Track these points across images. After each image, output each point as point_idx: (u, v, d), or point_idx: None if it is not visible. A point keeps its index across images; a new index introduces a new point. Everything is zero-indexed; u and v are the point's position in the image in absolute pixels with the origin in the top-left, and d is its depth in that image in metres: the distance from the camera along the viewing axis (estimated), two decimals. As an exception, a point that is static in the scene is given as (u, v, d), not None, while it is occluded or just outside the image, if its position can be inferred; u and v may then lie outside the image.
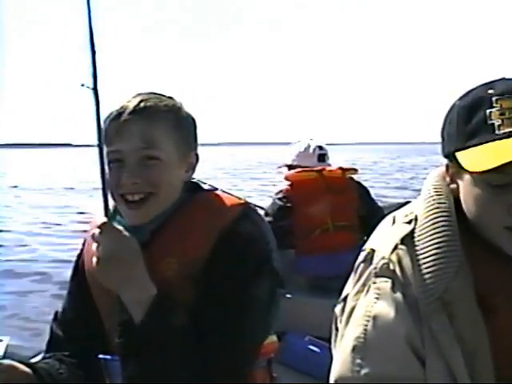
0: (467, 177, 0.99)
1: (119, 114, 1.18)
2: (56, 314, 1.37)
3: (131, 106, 1.18)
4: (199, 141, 1.30)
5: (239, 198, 1.29)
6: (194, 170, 1.29)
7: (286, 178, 3.33)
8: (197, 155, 1.29)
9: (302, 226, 3.22)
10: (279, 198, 3.25)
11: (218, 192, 1.31)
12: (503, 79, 0.99)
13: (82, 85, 1.14)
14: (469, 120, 0.98)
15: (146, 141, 1.17)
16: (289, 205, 3.21)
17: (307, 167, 3.35)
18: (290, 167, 3.49)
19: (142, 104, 1.18)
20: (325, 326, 1.29)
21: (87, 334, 1.28)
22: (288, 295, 2.91)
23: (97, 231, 1.14)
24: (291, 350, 2.59)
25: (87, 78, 1.15)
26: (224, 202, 1.24)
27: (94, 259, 1.13)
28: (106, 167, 1.20)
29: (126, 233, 1.14)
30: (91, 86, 1.14)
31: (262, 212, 3.02)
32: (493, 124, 0.94)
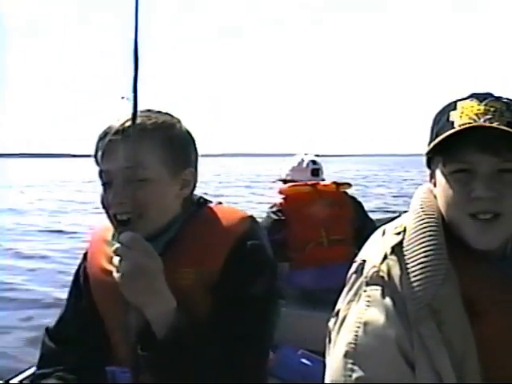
0: (438, 174, 1.07)
1: (105, 134, 1.19)
2: (47, 329, 1.36)
3: (117, 125, 1.18)
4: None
5: (245, 213, 1.31)
6: (192, 186, 1.28)
7: (280, 192, 3.36)
8: (193, 172, 1.28)
9: (296, 240, 3.24)
10: (273, 212, 3.28)
11: (225, 206, 1.34)
12: (478, 93, 1.08)
13: (123, 97, 1.12)
14: (436, 124, 1.08)
15: (131, 161, 1.14)
16: (283, 218, 3.24)
17: (301, 182, 3.40)
18: (285, 182, 3.54)
19: (127, 124, 1.16)
20: (318, 339, 1.32)
21: (91, 346, 1.28)
22: (282, 308, 2.92)
23: (120, 244, 1.10)
24: (284, 364, 2.60)
25: (126, 91, 1.12)
26: (233, 215, 1.27)
27: (117, 274, 1.09)
28: (101, 188, 1.22)
29: (150, 247, 1.11)
30: (131, 98, 1.12)
31: None
32: (453, 121, 1.03)
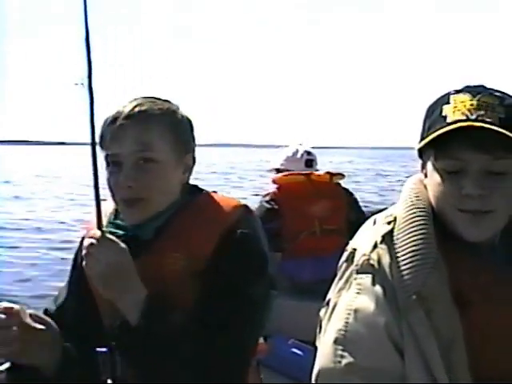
0: (429, 167, 1.07)
1: (115, 119, 1.21)
2: (46, 310, 1.38)
3: (126, 110, 1.21)
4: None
5: (239, 201, 1.33)
6: (191, 171, 1.32)
7: (274, 181, 3.36)
8: (193, 157, 1.32)
9: (289, 229, 3.24)
10: (267, 201, 3.28)
11: (219, 195, 1.36)
12: (472, 86, 1.08)
13: (76, 83, 1.16)
14: (429, 116, 1.08)
15: (142, 144, 1.20)
16: (276, 207, 3.24)
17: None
18: (279, 171, 3.52)
19: (136, 109, 1.21)
20: (309, 329, 1.33)
21: (86, 326, 1.31)
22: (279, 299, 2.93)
23: (90, 243, 1.17)
24: (275, 353, 2.61)
25: (82, 77, 1.16)
26: (225, 203, 1.29)
27: (89, 272, 1.18)
28: (105, 170, 1.24)
29: (121, 244, 1.18)
30: (86, 84, 1.16)
31: None
32: (445, 116, 1.03)
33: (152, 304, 1.15)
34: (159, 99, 1.29)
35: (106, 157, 1.24)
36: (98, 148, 1.22)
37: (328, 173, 3.42)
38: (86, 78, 1.16)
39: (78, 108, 1.19)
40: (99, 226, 1.19)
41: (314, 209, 3.25)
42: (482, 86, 1.07)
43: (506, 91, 1.08)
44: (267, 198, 3.30)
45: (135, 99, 1.26)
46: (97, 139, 1.21)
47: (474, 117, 1.00)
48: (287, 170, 3.44)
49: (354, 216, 3.33)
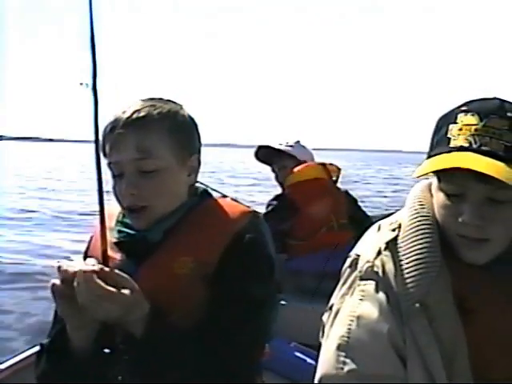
0: (435, 186, 1.06)
1: (113, 127, 1.20)
2: (42, 345, 1.29)
3: (124, 117, 1.19)
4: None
5: (248, 207, 1.32)
6: (197, 172, 1.31)
7: (290, 179, 3.23)
8: (198, 158, 1.30)
9: (307, 226, 3.18)
10: (281, 201, 3.21)
11: (228, 199, 1.35)
12: (483, 99, 1.03)
13: (81, 83, 1.13)
14: (437, 132, 1.05)
15: (141, 151, 1.18)
16: (293, 205, 3.17)
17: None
18: (279, 170, 3.49)
19: (134, 115, 1.19)
20: (311, 332, 1.32)
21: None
22: (282, 302, 2.92)
23: (97, 285, 1.06)
24: (276, 356, 2.60)
25: (87, 77, 1.15)
26: (234, 208, 1.28)
27: (94, 316, 1.09)
28: (110, 178, 1.23)
29: (130, 282, 1.10)
30: (90, 84, 1.13)
31: None
32: (449, 138, 1.01)
33: (156, 315, 1.13)
34: (161, 100, 1.26)
35: (109, 165, 1.23)
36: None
37: (333, 164, 3.38)
38: (91, 78, 1.13)
39: (83, 108, 1.17)
40: (101, 209, 1.13)
41: (330, 202, 3.21)
42: (496, 101, 1.01)
43: (508, 95, 1.04)
44: (281, 199, 3.23)
45: (134, 103, 1.23)
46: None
47: (477, 145, 0.97)
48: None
49: (356, 212, 3.33)
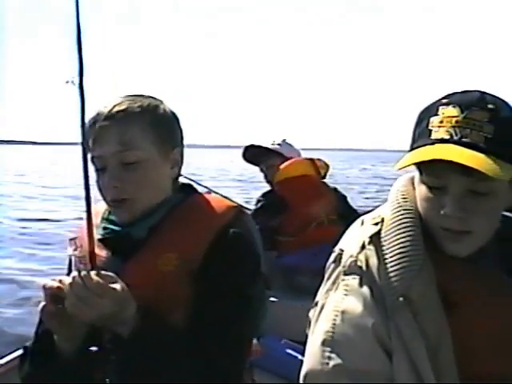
0: (417, 179, 1.07)
1: (95, 121, 1.21)
2: (26, 348, 1.30)
3: (105, 111, 1.21)
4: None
5: (233, 202, 1.34)
6: (180, 165, 1.32)
7: (279, 175, 3.24)
8: (181, 151, 1.31)
9: (296, 221, 3.18)
10: (271, 197, 3.21)
11: (213, 195, 1.37)
12: (464, 91, 1.03)
13: (67, 81, 1.14)
14: (418, 124, 1.05)
15: (123, 144, 1.20)
16: (282, 201, 3.17)
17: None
18: (267, 169, 3.49)
19: (115, 109, 1.21)
20: (302, 329, 1.33)
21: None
22: (272, 298, 2.92)
23: (83, 286, 1.06)
24: (267, 354, 2.60)
25: (74, 75, 1.15)
26: (219, 204, 1.28)
27: (82, 319, 1.09)
28: (94, 172, 1.24)
29: (119, 282, 1.10)
30: (77, 82, 1.14)
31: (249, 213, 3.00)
32: (431, 130, 1.01)
33: (144, 314, 1.13)
34: (141, 96, 1.28)
35: (92, 159, 1.24)
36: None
37: (322, 161, 3.38)
38: (77, 75, 1.14)
39: (70, 107, 1.17)
40: (88, 209, 1.12)
41: (320, 198, 3.21)
42: (476, 93, 1.01)
43: (504, 95, 1.03)
44: (270, 195, 3.23)
45: (115, 99, 1.25)
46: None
47: (458, 136, 0.97)
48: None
49: (345, 208, 3.33)
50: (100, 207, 1.31)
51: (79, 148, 1.14)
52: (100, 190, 1.25)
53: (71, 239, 1.16)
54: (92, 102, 1.19)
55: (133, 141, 1.21)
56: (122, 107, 1.22)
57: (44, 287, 1.12)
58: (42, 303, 1.12)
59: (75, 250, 1.15)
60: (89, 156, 1.22)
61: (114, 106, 1.22)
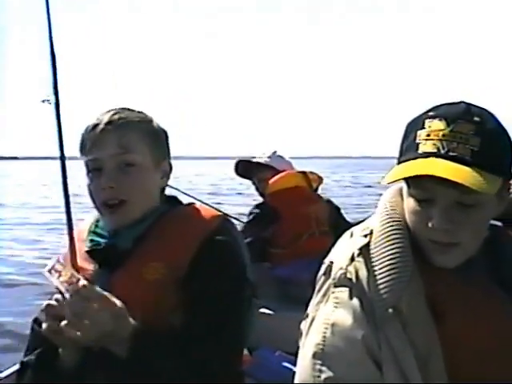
0: (405, 191, 1.08)
1: (95, 125, 1.26)
2: (22, 363, 1.30)
3: (106, 118, 1.27)
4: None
5: (218, 211, 1.36)
6: (168, 177, 1.37)
7: (270, 187, 3.27)
8: (170, 164, 1.37)
9: (288, 232, 3.19)
10: (263, 209, 3.23)
11: (197, 205, 1.38)
12: (450, 104, 1.04)
13: (43, 101, 1.19)
14: (406, 138, 1.06)
15: (122, 147, 1.25)
16: (274, 213, 3.19)
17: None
18: (259, 182, 3.45)
19: (116, 116, 1.27)
20: (296, 341, 1.33)
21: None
22: (268, 311, 2.91)
23: (78, 300, 1.09)
24: (261, 365, 2.59)
25: (49, 93, 1.19)
26: (203, 213, 1.31)
27: (82, 337, 1.09)
28: (85, 177, 1.27)
29: (110, 297, 1.12)
30: (53, 101, 1.20)
31: (239, 224, 3.02)
32: (418, 144, 1.01)
33: (140, 333, 1.13)
34: (134, 110, 1.34)
35: (87, 163, 1.27)
36: (72, 162, 1.28)
37: (313, 173, 3.41)
38: (53, 94, 1.19)
39: (47, 125, 1.21)
40: (69, 226, 1.19)
41: (311, 209, 3.23)
42: (462, 105, 1.02)
43: (489, 107, 1.03)
44: (262, 207, 3.24)
45: (112, 109, 1.31)
46: (69, 153, 1.24)
47: (445, 150, 0.98)
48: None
49: (338, 220, 3.35)
50: (84, 225, 1.35)
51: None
52: (92, 193, 1.27)
53: (49, 270, 1.15)
54: (69, 119, 1.22)
55: (131, 145, 1.26)
56: (122, 115, 1.28)
57: (44, 309, 1.14)
58: (44, 325, 1.14)
59: (59, 276, 1.16)
60: (83, 160, 1.27)
61: (115, 114, 1.28)
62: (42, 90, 1.19)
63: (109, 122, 1.26)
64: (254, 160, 3.39)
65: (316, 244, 3.15)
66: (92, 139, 1.26)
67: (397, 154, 1.08)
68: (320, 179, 3.42)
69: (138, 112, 1.34)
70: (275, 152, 3.44)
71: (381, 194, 1.18)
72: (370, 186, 23.75)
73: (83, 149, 1.27)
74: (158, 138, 1.34)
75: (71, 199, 1.25)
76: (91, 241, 1.30)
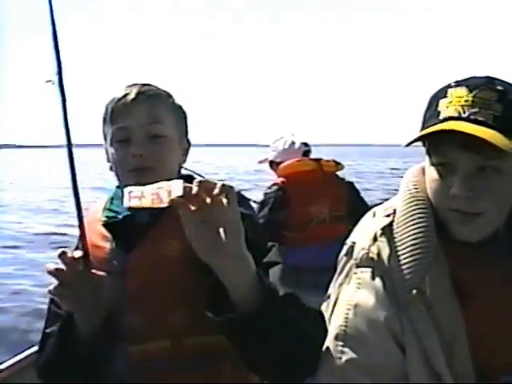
0: (426, 160, 1.05)
1: (125, 95, 1.26)
2: (45, 334, 1.27)
3: (136, 89, 1.27)
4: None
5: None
6: (187, 155, 1.37)
7: (283, 169, 3.32)
8: (189, 142, 1.37)
9: (298, 218, 3.22)
10: (275, 191, 3.26)
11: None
12: (475, 76, 1.02)
13: (47, 81, 1.17)
14: (428, 108, 1.04)
15: (152, 117, 1.25)
16: (285, 196, 3.22)
17: None
18: (273, 163, 3.51)
19: (145, 87, 1.28)
20: None
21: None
22: None
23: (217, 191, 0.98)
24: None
25: (52, 74, 1.17)
26: None
27: (198, 226, 0.98)
28: (109, 147, 1.26)
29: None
30: (56, 82, 1.17)
31: (255, 206, 3.03)
32: (439, 111, 1.00)
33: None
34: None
35: (112, 133, 1.26)
36: (103, 128, 1.28)
37: (333, 161, 3.44)
38: (56, 74, 1.17)
39: (52, 107, 1.18)
40: (79, 214, 1.17)
41: (323, 196, 3.24)
42: (487, 78, 1.00)
43: None
44: (275, 188, 3.27)
45: (138, 83, 1.30)
46: (73, 140, 1.21)
47: (466, 114, 0.96)
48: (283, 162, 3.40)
49: (357, 204, 3.33)
50: (97, 205, 1.33)
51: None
52: (117, 162, 1.26)
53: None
54: (74, 100, 1.20)
55: (161, 116, 1.26)
56: (152, 87, 1.29)
57: (61, 256, 1.08)
58: (50, 286, 1.10)
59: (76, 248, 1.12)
60: (109, 130, 1.26)
61: (144, 85, 1.28)
62: (46, 72, 1.16)
63: (139, 93, 1.26)
64: (262, 159, 3.55)
65: (326, 230, 3.19)
66: (121, 109, 1.25)
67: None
68: (337, 165, 3.41)
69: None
70: (293, 135, 3.50)
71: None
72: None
73: (111, 117, 1.26)
74: (182, 114, 1.35)
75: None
76: (107, 216, 1.28)
